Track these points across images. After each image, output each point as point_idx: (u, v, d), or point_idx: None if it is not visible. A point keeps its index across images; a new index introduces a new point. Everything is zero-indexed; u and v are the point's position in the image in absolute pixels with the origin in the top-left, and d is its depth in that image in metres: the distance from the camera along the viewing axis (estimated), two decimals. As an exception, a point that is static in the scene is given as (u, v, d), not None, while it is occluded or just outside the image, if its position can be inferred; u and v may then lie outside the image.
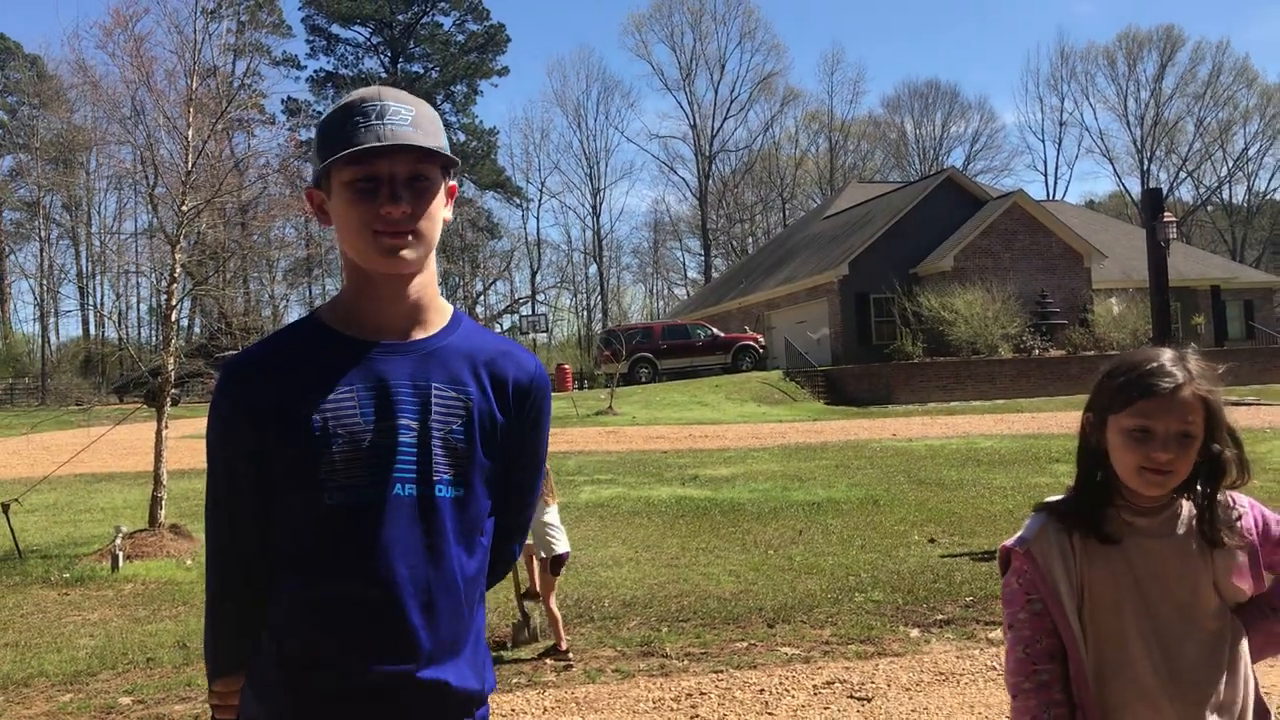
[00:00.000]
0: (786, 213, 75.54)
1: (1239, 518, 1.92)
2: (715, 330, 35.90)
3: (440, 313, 1.77)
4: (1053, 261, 34.16)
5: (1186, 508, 1.91)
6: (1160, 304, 11.00)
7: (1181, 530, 1.89)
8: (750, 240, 75.88)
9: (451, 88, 67.04)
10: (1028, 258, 33.83)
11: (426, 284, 1.74)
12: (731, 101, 74.40)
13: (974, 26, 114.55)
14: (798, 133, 78.18)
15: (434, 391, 1.68)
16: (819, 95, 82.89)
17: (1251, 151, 73.23)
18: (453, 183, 1.78)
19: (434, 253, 1.75)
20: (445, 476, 1.67)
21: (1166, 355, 1.90)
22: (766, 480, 13.84)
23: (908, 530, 10.16)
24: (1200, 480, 1.89)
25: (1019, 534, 1.97)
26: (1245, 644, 1.94)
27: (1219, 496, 1.91)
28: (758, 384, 30.37)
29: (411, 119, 1.65)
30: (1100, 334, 30.87)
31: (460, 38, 67.08)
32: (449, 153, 1.69)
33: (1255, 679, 1.94)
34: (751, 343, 34.92)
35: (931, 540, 9.59)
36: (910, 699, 4.90)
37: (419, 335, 1.72)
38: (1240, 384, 29.53)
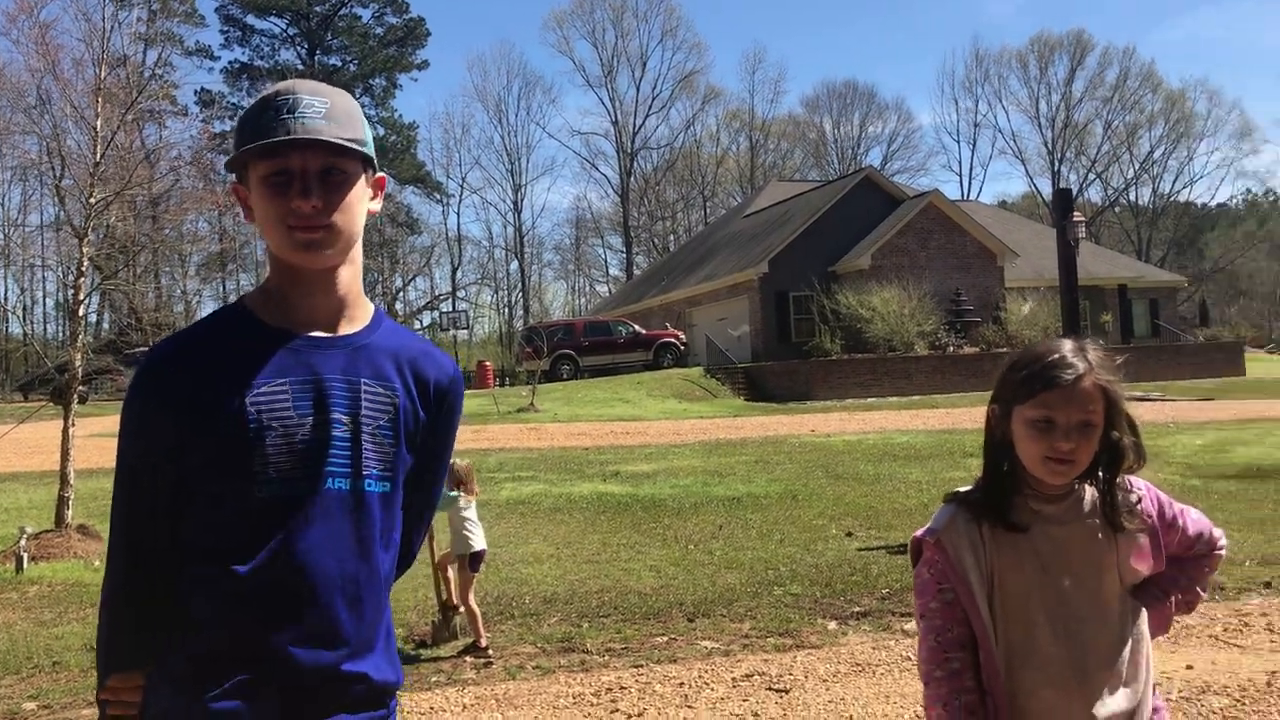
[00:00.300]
0: (708, 210, 75.98)
1: (1138, 501, 1.98)
2: (637, 327, 35.97)
3: (365, 309, 1.77)
4: (967, 260, 34.88)
5: (1089, 494, 1.96)
6: (1070, 301, 11.33)
7: (1086, 516, 1.94)
8: (672, 238, 76.16)
9: (370, 81, 66.10)
10: (943, 256, 34.49)
11: (353, 279, 1.75)
12: (653, 99, 74.65)
13: (892, 29, 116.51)
14: (719, 131, 78.74)
15: (364, 387, 1.69)
16: (740, 94, 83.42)
17: (1157, 154, 75.72)
18: (380, 175, 1.77)
19: (359, 247, 1.75)
20: (374, 472, 1.68)
21: (1067, 346, 1.94)
22: (687, 476, 13.91)
23: (826, 524, 10.30)
24: (1101, 467, 1.94)
25: (929, 524, 2.00)
26: (1145, 623, 2.00)
27: (1120, 482, 1.97)
28: (679, 381, 30.52)
29: (325, 111, 1.64)
30: (1013, 331, 31.61)
31: (379, 30, 66.20)
32: (364, 145, 1.68)
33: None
34: (673, 340, 35.07)
35: (849, 534, 9.74)
36: (827, 690, 4.98)
37: (346, 330, 1.73)
38: (1145, 380, 30.49)
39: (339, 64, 65.28)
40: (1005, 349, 30.26)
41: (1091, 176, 76.45)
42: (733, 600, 7.22)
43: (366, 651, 1.66)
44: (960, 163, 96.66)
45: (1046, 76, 76.49)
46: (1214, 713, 4.48)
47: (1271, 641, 5.66)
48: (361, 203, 1.71)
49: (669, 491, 12.60)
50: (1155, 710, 2.02)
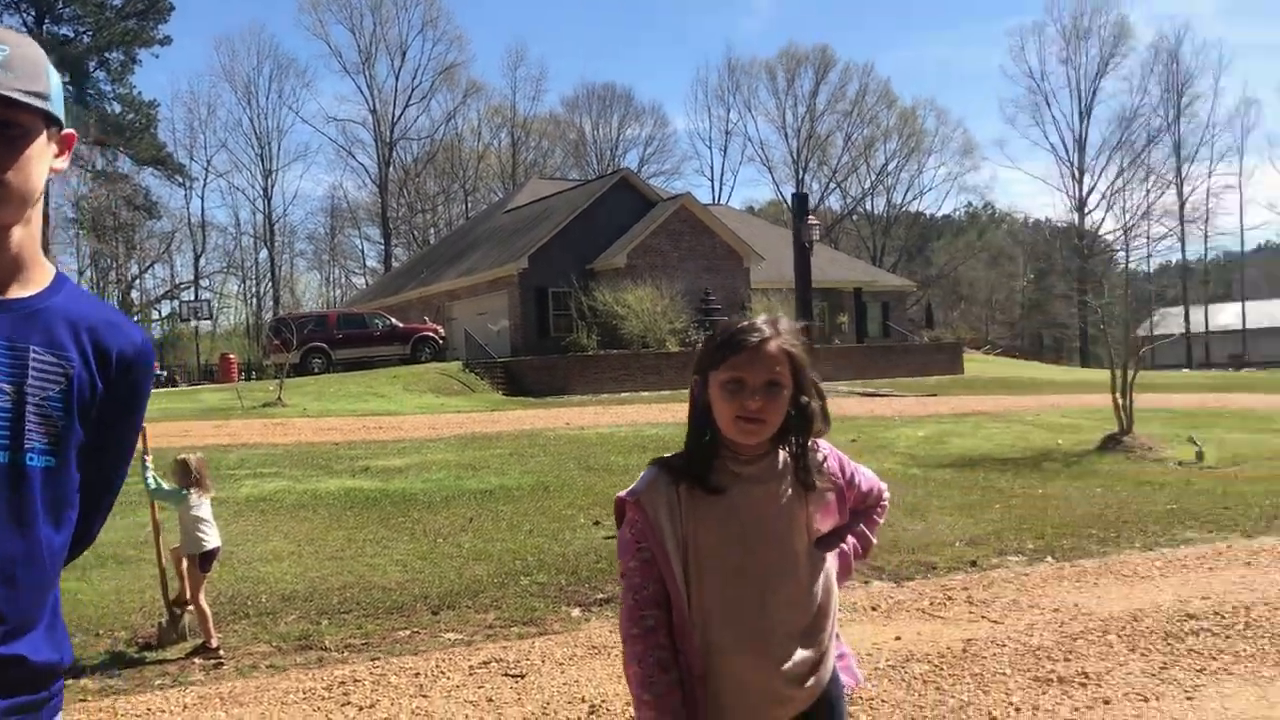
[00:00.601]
0: (469, 205, 75.31)
1: (824, 460, 2.15)
2: (394, 320, 35.27)
3: (44, 271, 1.66)
4: (716, 262, 36.18)
5: (783, 456, 2.10)
6: (804, 297, 12.03)
7: (780, 476, 2.08)
8: (432, 231, 75.01)
9: (106, 55, 61.46)
10: (694, 257, 35.65)
11: (27, 239, 1.63)
12: (413, 89, 73.13)
13: (649, 34, 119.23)
14: (480, 126, 78.20)
15: (32, 355, 1.59)
16: (502, 90, 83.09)
17: (890, 167, 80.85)
18: (69, 131, 1.67)
19: (39, 207, 1.64)
20: (38, 445, 1.58)
21: (760, 318, 2.09)
22: (440, 470, 13.79)
23: (575, 514, 10.48)
24: (793, 430, 2.09)
25: (632, 486, 2.09)
26: (833, 573, 2.17)
27: (809, 444, 2.12)
28: (436, 375, 30.12)
29: (2, 60, 1.53)
30: (758, 330, 33.02)
31: (117, 1, 61.72)
32: (46, 99, 1.59)
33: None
34: (431, 334, 34.58)
35: (596, 523, 9.95)
36: (563, 673, 5.09)
37: (19, 294, 1.62)
38: (876, 377, 32.61)
39: (71, 34, 60.33)
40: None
41: (832, 186, 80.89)
42: (479, 592, 7.24)
43: (24, 632, 1.57)
44: (712, 168, 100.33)
45: (793, 89, 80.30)
46: (915, 678, 4.88)
47: (970, 613, 6.21)
48: (41, 160, 1.61)
49: (420, 486, 12.46)
50: (841, 656, 2.20)
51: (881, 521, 2.34)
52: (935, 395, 27.87)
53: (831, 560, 2.17)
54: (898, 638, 5.64)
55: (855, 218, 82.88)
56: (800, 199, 13.33)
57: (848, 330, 42.29)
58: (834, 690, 2.12)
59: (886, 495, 2.34)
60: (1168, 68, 74.34)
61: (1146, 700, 4.45)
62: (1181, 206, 73.83)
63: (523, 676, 5.04)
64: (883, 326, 45.25)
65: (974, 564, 7.89)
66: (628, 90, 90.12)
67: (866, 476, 2.28)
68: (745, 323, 2.07)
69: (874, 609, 6.36)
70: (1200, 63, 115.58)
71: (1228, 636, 5.41)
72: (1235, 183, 77.76)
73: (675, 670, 2.00)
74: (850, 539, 2.24)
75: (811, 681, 2.06)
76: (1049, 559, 7.99)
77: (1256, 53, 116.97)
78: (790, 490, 2.08)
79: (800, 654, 2.05)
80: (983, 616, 6.07)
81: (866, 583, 7.20)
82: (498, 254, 38.10)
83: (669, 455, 2.12)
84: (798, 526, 2.09)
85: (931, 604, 6.47)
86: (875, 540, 2.32)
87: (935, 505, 10.88)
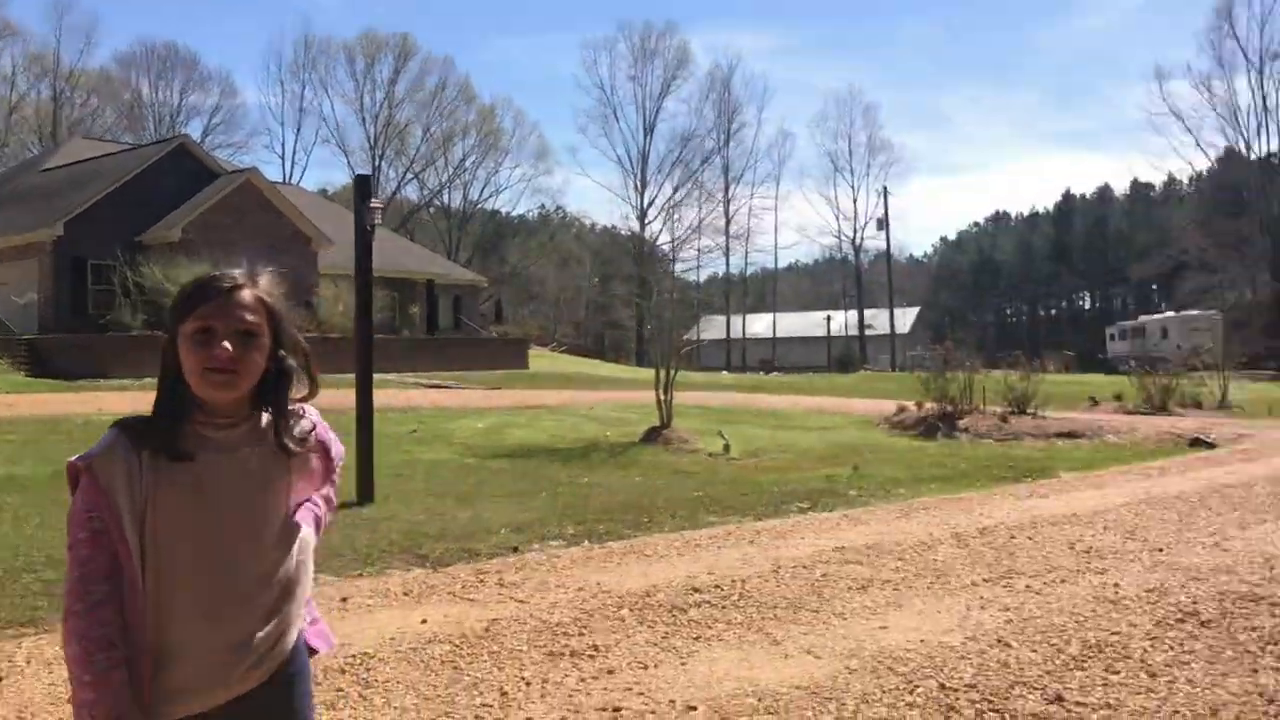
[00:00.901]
0: (-4, 160, 66.56)
1: (312, 428, 2.10)
2: (-112, 287, 30.39)
3: None
4: (284, 243, 34.54)
5: (266, 419, 2.00)
6: (363, 282, 11.84)
7: (260, 441, 1.99)
8: (-52, 187, 65.41)
9: None
10: (258, 237, 33.76)
11: None
12: (-71, 22, 63.44)
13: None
14: (15, 74, 69.31)
15: None
16: (44, 37, 73.64)
17: (468, 163, 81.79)
18: None
19: None
20: None
21: (235, 269, 2.01)
22: (-66, 458, 12.08)
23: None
24: (272, 390, 2.00)
25: (89, 450, 1.92)
26: (309, 539, 2.11)
27: (294, 409, 2.05)
28: (-58, 351, 26.37)
29: None
30: (324, 317, 32.10)
31: None
32: None
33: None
34: (-63, 304, 30.19)
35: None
36: (51, 673, 4.62)
37: None
38: (445, 369, 32.89)
39: None
40: (315, 334, 30.63)
41: (410, 176, 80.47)
42: (-35, 592, 6.42)
43: None
44: (284, 146, 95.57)
45: (372, 73, 78.86)
46: (434, 659, 4.94)
47: (500, 594, 6.39)
48: None
49: (-95, 475, 10.84)
50: (313, 622, 2.17)
51: (339, 480, 2.32)
52: (500, 389, 28.57)
53: (307, 527, 2.12)
54: (424, 621, 5.67)
55: (432, 210, 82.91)
56: (362, 180, 12.95)
57: (419, 322, 42.21)
58: (297, 661, 2.08)
59: (342, 454, 2.30)
60: (721, 95, 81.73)
61: (646, 668, 4.82)
62: (727, 224, 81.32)
63: (1, 679, 4.52)
64: (454, 320, 45.66)
65: (515, 549, 8.11)
66: (193, 54, 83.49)
67: (335, 441, 2.25)
68: (217, 272, 1.98)
69: (406, 594, 6.38)
70: (748, 93, 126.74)
71: (724, 607, 5.99)
72: (772, 205, 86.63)
73: (120, 649, 1.85)
74: (320, 503, 2.21)
75: (274, 653, 2.01)
76: (585, 542, 8.41)
77: (793, 90, 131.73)
78: (270, 456, 2.00)
79: (265, 628, 1.98)
80: (511, 597, 6.27)
81: (407, 570, 7.21)
82: (28, 217, 34.00)
83: (133, 416, 1.97)
84: (275, 494, 2.02)
85: (464, 587, 6.58)
86: (336, 500, 2.31)
87: (487, 493, 11.11)
